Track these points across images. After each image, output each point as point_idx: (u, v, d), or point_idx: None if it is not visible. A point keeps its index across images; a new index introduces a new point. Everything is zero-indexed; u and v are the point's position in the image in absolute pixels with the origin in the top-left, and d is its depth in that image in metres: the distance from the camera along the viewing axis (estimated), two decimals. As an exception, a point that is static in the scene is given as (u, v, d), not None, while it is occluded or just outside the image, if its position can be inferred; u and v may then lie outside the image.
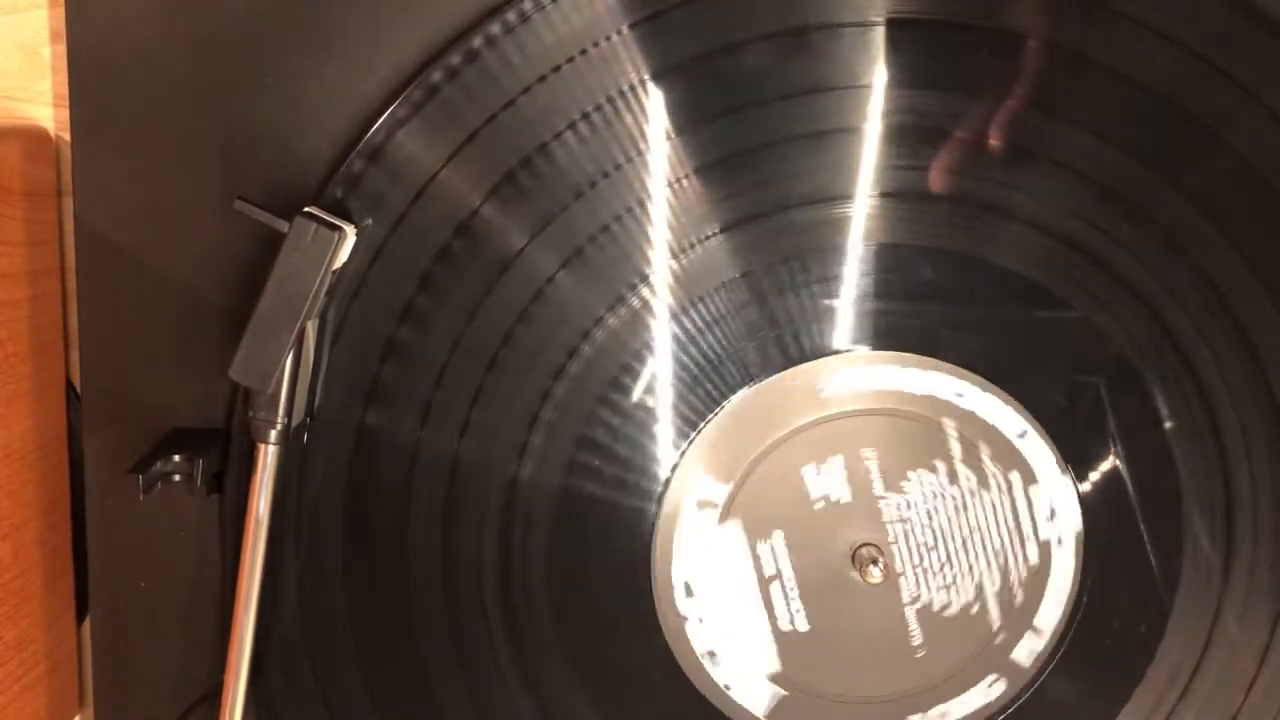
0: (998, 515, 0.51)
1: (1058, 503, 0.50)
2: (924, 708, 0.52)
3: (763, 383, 0.49)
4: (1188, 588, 0.51)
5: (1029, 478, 0.50)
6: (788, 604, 0.51)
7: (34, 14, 0.50)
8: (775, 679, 0.51)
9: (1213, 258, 0.48)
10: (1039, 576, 0.51)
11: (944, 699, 0.52)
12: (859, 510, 0.50)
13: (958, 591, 0.51)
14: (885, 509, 0.50)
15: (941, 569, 0.51)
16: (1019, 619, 0.51)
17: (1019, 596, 0.51)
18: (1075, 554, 0.51)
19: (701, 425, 0.49)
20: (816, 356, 0.49)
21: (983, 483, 0.50)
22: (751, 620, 0.51)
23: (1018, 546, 0.51)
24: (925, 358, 0.49)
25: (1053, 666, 0.52)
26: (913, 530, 0.50)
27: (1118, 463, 0.50)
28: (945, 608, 0.51)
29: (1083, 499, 0.50)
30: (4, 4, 0.50)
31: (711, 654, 0.51)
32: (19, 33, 0.50)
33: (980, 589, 0.51)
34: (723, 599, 0.51)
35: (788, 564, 0.50)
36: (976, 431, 0.50)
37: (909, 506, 0.50)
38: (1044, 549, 0.51)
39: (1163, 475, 0.50)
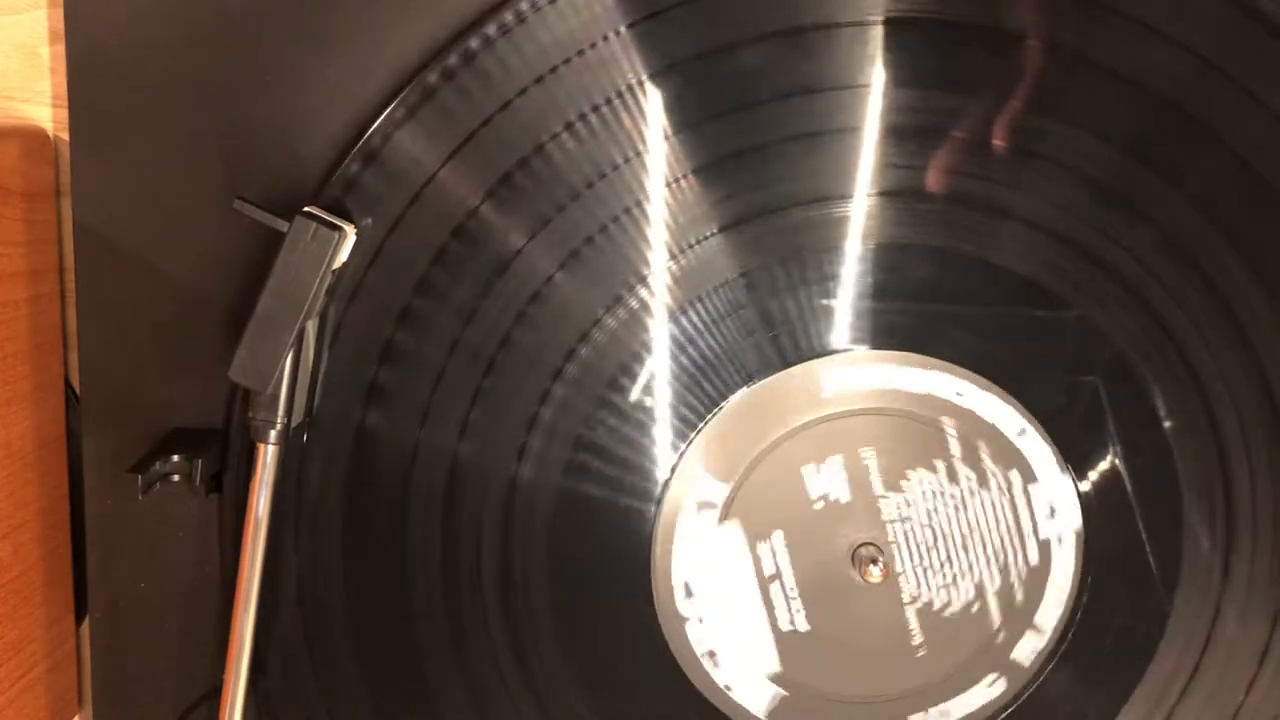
0: (997, 514, 0.51)
1: (1057, 502, 0.50)
2: (925, 707, 0.52)
3: (761, 383, 0.49)
4: (1188, 588, 0.51)
5: (1028, 476, 0.50)
6: (788, 604, 0.51)
7: (33, 14, 0.50)
8: (775, 679, 0.51)
9: (1213, 258, 0.48)
10: (1039, 575, 0.51)
11: (944, 698, 0.52)
12: (859, 509, 0.50)
13: (957, 590, 0.51)
14: (885, 508, 0.50)
15: (941, 568, 0.51)
16: (1019, 618, 0.51)
17: (1019, 595, 0.51)
18: (1075, 553, 0.51)
19: (700, 426, 0.49)
20: (815, 356, 0.49)
21: (982, 482, 0.50)
22: (752, 620, 0.51)
23: (1018, 545, 0.51)
24: (924, 357, 0.49)
25: (1053, 666, 0.52)
26: (912, 529, 0.50)
27: (1117, 462, 0.50)
28: (945, 607, 0.51)
29: (1082, 498, 0.50)
30: (3, 4, 0.50)
31: (711, 654, 0.51)
32: (18, 33, 0.50)
33: (980, 588, 0.51)
34: (723, 599, 0.51)
35: (788, 564, 0.50)
36: (976, 431, 0.50)
37: (908, 505, 0.50)
38: (1044, 548, 0.51)
39: (1162, 474, 0.50)
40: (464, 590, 0.50)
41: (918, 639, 0.51)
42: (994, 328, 0.49)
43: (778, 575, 0.51)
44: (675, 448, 0.49)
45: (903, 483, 0.50)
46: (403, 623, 0.50)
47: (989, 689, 0.52)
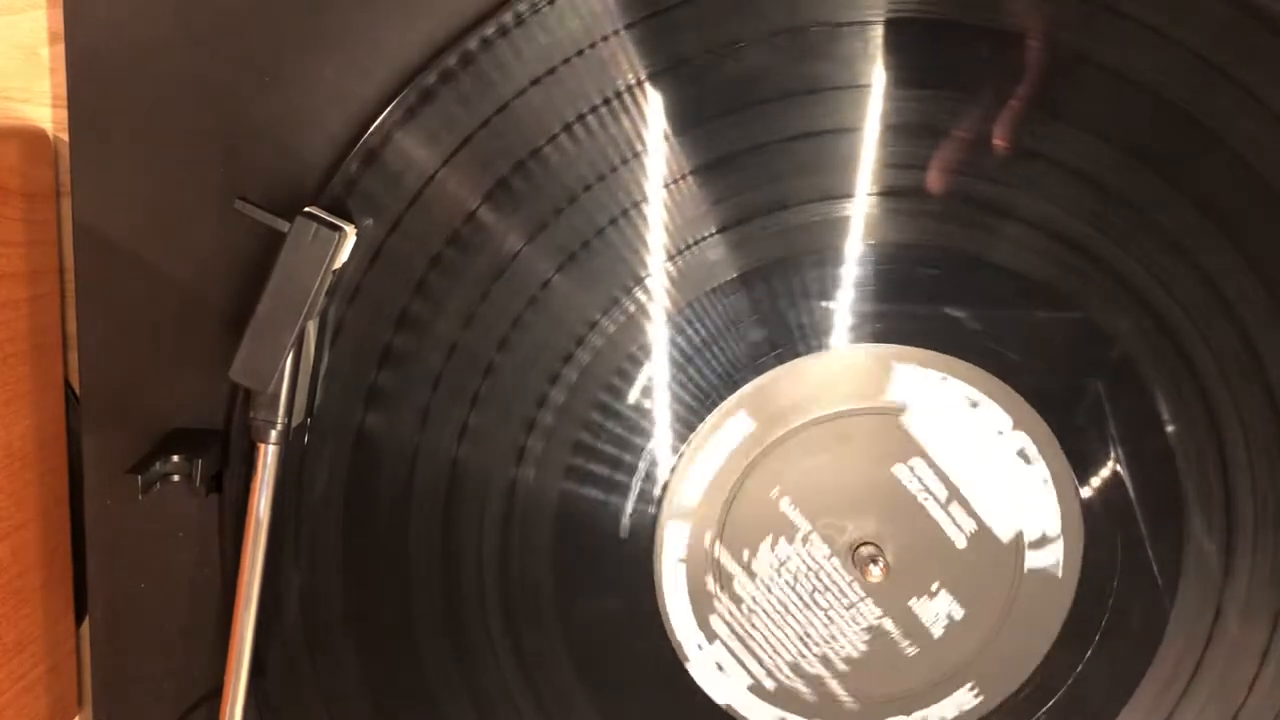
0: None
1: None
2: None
3: (760, 382, 0.49)
4: (1188, 588, 0.51)
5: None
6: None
7: (33, 14, 0.50)
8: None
9: (1213, 258, 0.48)
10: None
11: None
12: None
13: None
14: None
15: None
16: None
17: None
18: (1076, 554, 0.51)
19: (700, 426, 0.49)
20: (833, 351, 0.49)
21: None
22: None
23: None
24: (926, 356, 0.49)
25: (1053, 666, 0.52)
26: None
27: (1118, 463, 0.50)
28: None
29: (1083, 499, 0.50)
30: (2, 4, 0.50)
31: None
32: (17, 33, 0.50)
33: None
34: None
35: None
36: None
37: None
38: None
39: (1163, 475, 0.50)
40: (464, 590, 0.50)
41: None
42: (994, 328, 0.49)
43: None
44: (675, 449, 0.49)
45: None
46: (403, 623, 0.50)
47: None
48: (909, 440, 0.50)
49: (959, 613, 0.51)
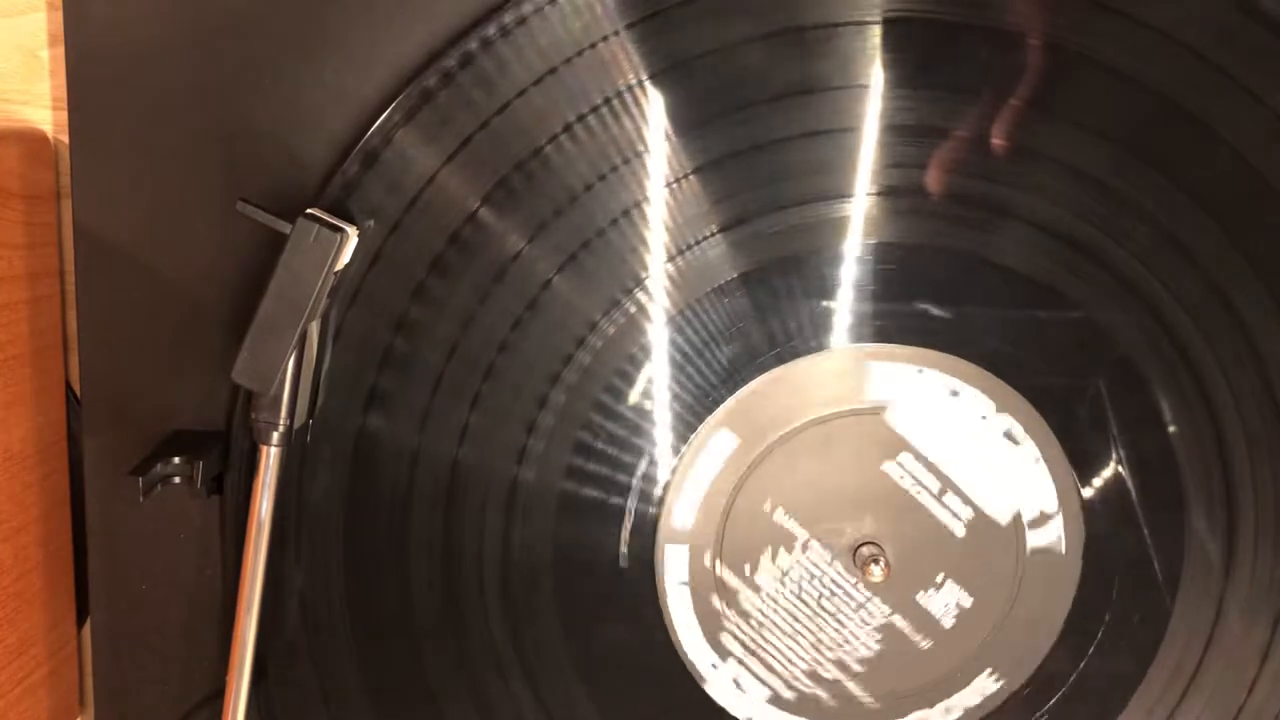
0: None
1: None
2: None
3: (760, 382, 0.49)
4: (1188, 588, 0.51)
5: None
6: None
7: (33, 16, 0.50)
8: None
9: (1213, 258, 0.48)
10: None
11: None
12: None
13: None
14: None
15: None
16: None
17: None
18: (1076, 554, 0.51)
19: (700, 427, 0.49)
20: (815, 355, 0.49)
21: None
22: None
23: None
24: (925, 356, 0.49)
25: (1053, 666, 0.52)
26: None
27: (1119, 463, 0.50)
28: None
29: (1084, 499, 0.50)
30: (2, 6, 0.50)
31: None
32: (18, 35, 0.50)
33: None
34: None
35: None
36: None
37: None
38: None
39: (1164, 475, 0.50)
40: (466, 594, 0.50)
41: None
42: (994, 328, 0.49)
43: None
44: (675, 450, 0.49)
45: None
46: (404, 626, 0.50)
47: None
48: (894, 436, 0.50)
49: (967, 601, 0.51)
